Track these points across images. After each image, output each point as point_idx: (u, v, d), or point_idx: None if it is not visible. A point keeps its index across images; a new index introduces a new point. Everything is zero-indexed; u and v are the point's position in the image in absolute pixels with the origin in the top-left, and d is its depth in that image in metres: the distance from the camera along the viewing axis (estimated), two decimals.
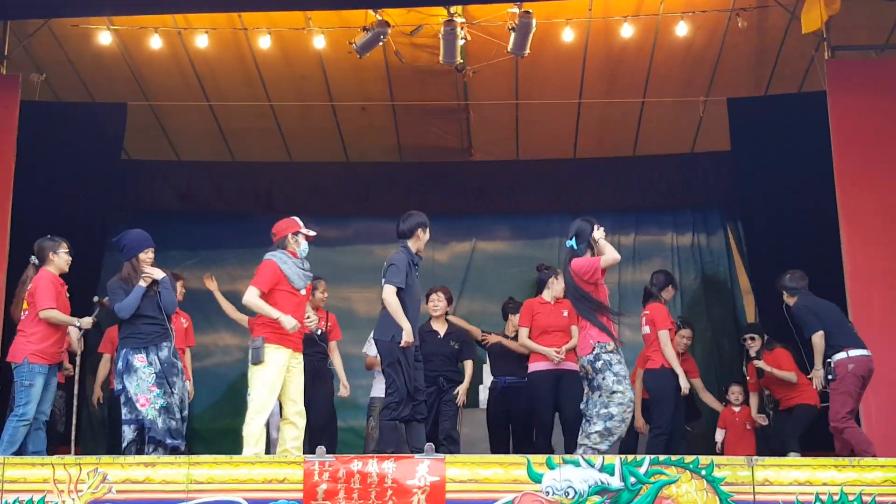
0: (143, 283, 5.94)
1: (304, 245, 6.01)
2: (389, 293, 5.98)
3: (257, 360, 5.75)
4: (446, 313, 7.33)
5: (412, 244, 6.18)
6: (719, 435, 7.53)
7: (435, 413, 6.96)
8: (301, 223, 6.04)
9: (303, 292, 5.98)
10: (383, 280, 6.05)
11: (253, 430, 5.72)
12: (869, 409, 6.29)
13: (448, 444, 6.89)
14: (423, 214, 6.30)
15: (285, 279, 5.85)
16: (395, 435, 6.02)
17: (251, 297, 5.80)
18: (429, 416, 6.79)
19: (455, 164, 10.05)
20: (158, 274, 6.01)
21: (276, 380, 5.77)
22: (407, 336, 5.90)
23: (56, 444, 6.75)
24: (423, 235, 6.23)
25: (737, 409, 7.59)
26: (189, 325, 7.23)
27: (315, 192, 9.87)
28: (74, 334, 6.45)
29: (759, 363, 7.27)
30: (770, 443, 7.47)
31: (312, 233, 6.05)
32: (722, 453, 7.29)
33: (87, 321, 6.11)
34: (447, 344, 7.17)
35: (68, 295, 6.25)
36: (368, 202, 9.97)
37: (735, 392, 7.65)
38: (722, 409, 7.68)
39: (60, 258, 6.15)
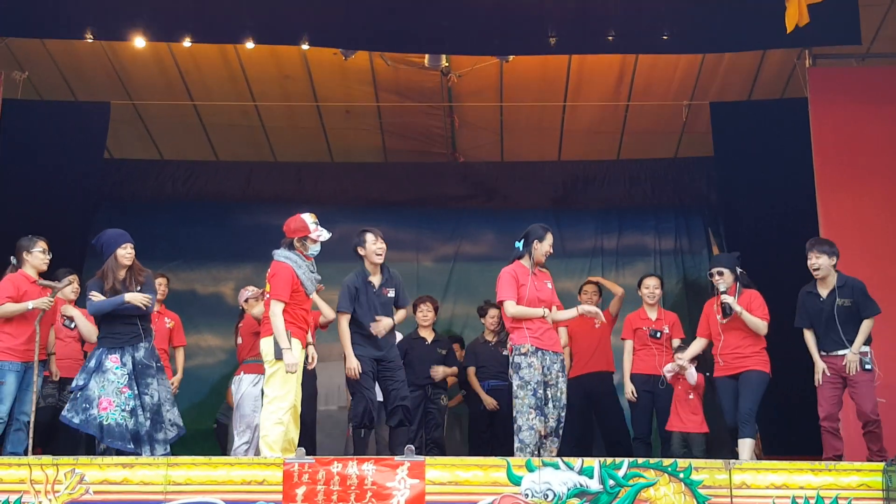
0: (128, 297, 5.84)
1: (312, 248, 5.90)
2: (340, 321, 6.15)
3: (281, 356, 5.63)
4: (434, 322, 7.49)
5: (364, 265, 6.24)
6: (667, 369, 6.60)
7: (420, 418, 6.99)
8: (311, 225, 5.87)
9: (312, 297, 5.95)
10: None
11: (276, 433, 5.60)
12: (846, 409, 6.29)
13: (434, 449, 6.93)
14: (360, 231, 6.27)
15: (299, 283, 5.78)
16: (364, 442, 6.12)
17: (276, 312, 5.67)
18: (413, 420, 6.85)
19: (439, 164, 10.07)
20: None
21: (297, 375, 5.72)
22: (348, 368, 6.06)
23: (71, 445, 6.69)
24: (364, 251, 6.21)
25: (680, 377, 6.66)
26: (176, 325, 7.16)
27: (299, 192, 9.85)
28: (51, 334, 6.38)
29: (728, 298, 6.18)
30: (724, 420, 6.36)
31: (324, 237, 5.89)
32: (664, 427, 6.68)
33: (44, 301, 5.94)
34: (434, 351, 7.24)
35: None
36: (353, 205, 9.96)
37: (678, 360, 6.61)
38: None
39: (35, 257, 6.10)
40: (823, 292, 6.07)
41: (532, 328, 5.86)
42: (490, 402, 7.34)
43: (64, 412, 5.82)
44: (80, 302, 6.82)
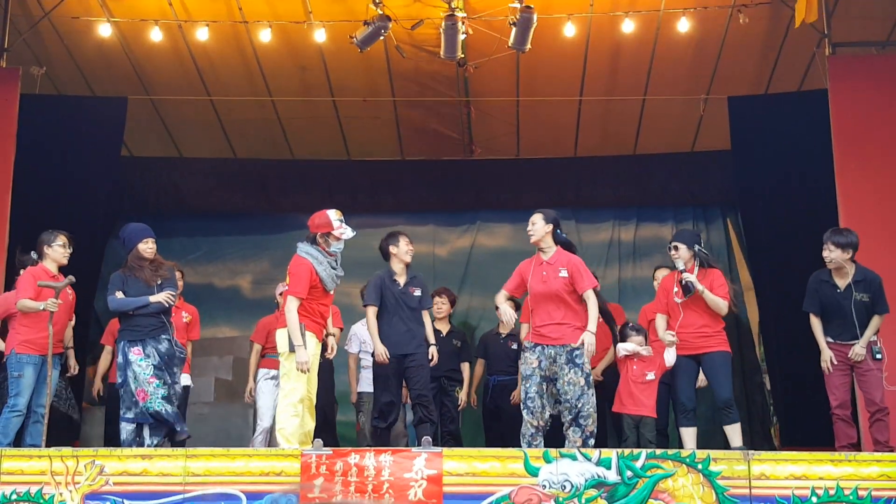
0: (152, 299, 5.91)
1: (335, 245, 5.84)
2: (368, 313, 6.28)
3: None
4: (450, 315, 7.56)
5: (392, 264, 6.36)
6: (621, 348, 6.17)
7: (437, 411, 7.00)
8: (335, 221, 5.82)
9: (331, 293, 5.92)
10: None
11: (292, 425, 5.61)
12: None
13: (450, 441, 6.94)
14: (394, 233, 6.42)
15: (318, 280, 5.76)
16: (382, 441, 6.15)
17: (291, 307, 5.67)
18: (434, 415, 6.87)
19: (456, 162, 10.06)
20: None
21: (314, 366, 5.74)
22: (376, 354, 6.19)
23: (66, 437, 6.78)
24: (396, 250, 6.32)
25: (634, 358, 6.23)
26: (193, 320, 7.20)
27: (316, 188, 9.87)
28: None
29: (689, 276, 5.89)
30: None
31: (347, 234, 5.84)
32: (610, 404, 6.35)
33: (51, 303, 5.95)
34: (450, 343, 7.26)
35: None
36: (370, 198, 9.97)
37: (635, 341, 6.26)
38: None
39: (55, 251, 6.15)
40: (840, 283, 6.00)
41: (535, 322, 5.84)
42: (472, 399, 7.51)
43: (121, 414, 5.90)
44: (83, 295, 6.88)
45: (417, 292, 6.36)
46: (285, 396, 5.68)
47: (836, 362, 5.93)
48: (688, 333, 5.95)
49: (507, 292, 6.01)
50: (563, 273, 5.83)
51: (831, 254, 5.97)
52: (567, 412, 5.73)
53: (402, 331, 6.21)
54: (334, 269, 5.84)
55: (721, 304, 5.94)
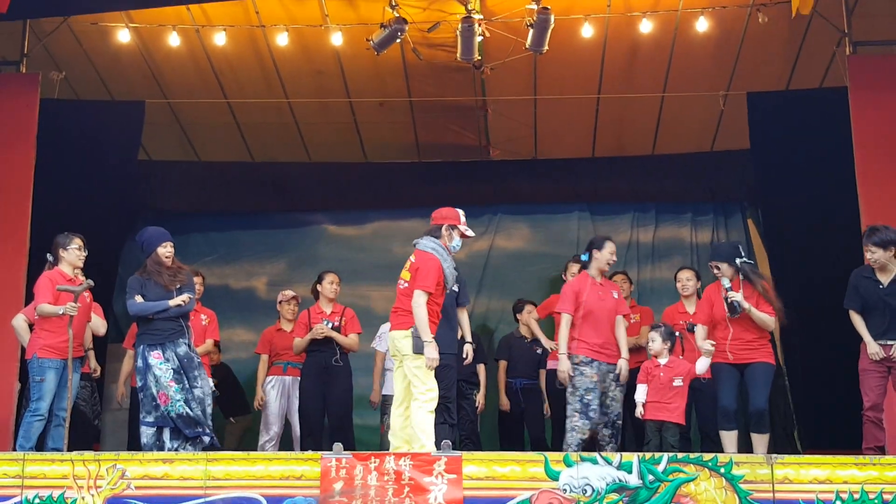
0: (172, 303, 5.95)
1: (456, 241, 5.74)
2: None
3: (422, 350, 5.52)
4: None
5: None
6: (641, 393, 6.10)
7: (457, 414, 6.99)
8: (462, 218, 5.77)
9: (448, 291, 5.81)
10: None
11: (430, 422, 5.55)
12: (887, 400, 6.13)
13: (468, 445, 6.92)
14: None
15: (443, 277, 5.62)
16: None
17: (420, 302, 5.49)
18: (455, 417, 6.85)
19: (473, 163, 10.04)
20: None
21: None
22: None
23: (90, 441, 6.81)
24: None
25: (663, 361, 6.14)
26: (211, 322, 7.23)
27: (333, 190, 9.89)
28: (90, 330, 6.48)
29: (735, 295, 5.81)
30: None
31: (470, 233, 5.79)
32: (642, 418, 6.14)
33: (71, 307, 5.98)
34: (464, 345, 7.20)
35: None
36: (387, 201, 9.97)
37: (656, 340, 6.17)
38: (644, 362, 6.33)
39: (70, 254, 6.16)
40: (884, 279, 5.88)
41: (591, 339, 6.04)
42: (504, 402, 7.50)
43: (141, 417, 5.94)
44: (101, 298, 6.91)
45: (455, 287, 6.13)
46: (426, 401, 5.54)
47: (882, 357, 5.78)
48: (733, 346, 5.94)
49: (571, 316, 6.07)
50: (615, 295, 6.27)
51: (874, 255, 5.87)
52: (605, 427, 6.05)
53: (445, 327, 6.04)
54: (452, 266, 5.73)
55: (768, 321, 5.92)
